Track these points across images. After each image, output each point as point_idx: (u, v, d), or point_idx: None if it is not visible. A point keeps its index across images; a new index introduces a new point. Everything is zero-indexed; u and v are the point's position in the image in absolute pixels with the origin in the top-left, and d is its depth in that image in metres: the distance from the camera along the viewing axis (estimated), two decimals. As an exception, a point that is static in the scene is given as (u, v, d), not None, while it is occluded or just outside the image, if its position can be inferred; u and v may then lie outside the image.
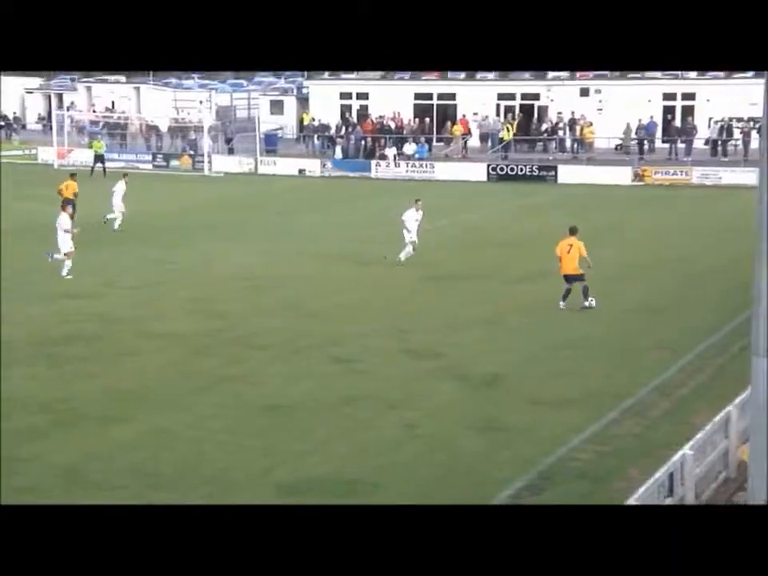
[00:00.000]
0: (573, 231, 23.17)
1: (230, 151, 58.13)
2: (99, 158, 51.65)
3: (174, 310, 23.00)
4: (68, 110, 66.81)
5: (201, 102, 68.33)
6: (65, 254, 26.30)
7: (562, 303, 22.72)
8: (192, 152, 56.87)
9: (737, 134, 52.92)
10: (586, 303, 22.70)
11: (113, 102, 71.36)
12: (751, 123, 51.75)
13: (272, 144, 58.37)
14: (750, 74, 65.91)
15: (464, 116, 58.90)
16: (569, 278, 22.79)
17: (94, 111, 68.89)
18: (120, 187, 34.24)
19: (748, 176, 42.57)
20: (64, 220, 26.76)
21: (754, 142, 47.81)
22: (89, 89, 74.87)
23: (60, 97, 76.73)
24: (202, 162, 54.25)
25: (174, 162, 56.02)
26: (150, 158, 57.14)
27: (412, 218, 27.83)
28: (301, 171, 53.26)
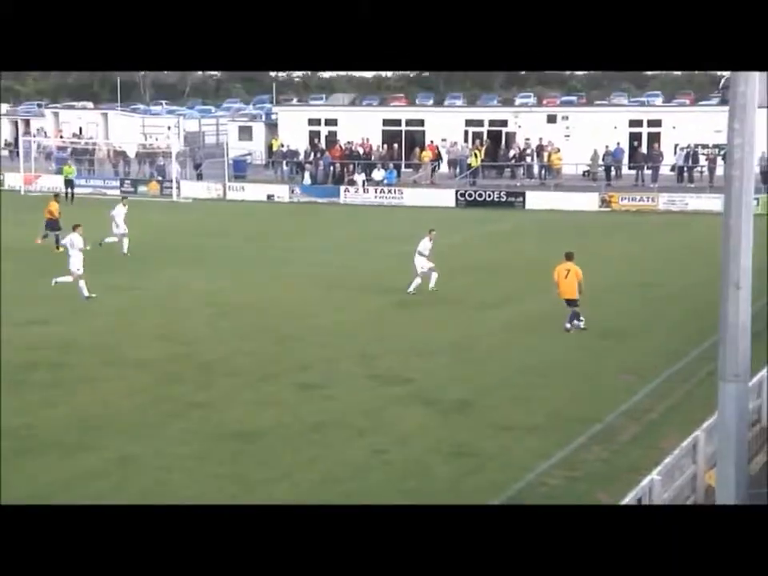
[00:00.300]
0: (569, 257, 23.51)
1: (199, 177, 58.02)
2: (69, 183, 51.53)
3: (140, 336, 22.84)
4: (35, 135, 66.52)
5: (169, 128, 68.19)
6: (74, 274, 26.26)
7: (567, 325, 23.11)
8: (160, 178, 56.71)
9: (702, 160, 53.44)
10: (568, 326, 23.07)
11: (80, 128, 71.08)
12: (716, 150, 52.29)
13: (240, 170, 58.33)
14: (715, 101, 66.82)
15: (432, 142, 59.14)
16: (570, 303, 23.19)
17: (62, 137, 68.58)
18: (120, 211, 34.84)
19: (713, 202, 42.97)
20: (77, 240, 26.92)
21: (720, 169, 48.29)
22: (56, 114, 74.55)
23: (27, 122, 76.37)
24: (170, 187, 54.10)
25: (141, 188, 55.81)
26: (117, 183, 56.88)
27: (426, 248, 27.51)
28: (269, 197, 53.22)
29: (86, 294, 26.33)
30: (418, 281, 27.54)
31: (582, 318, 23.22)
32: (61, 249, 30.75)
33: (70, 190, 50.92)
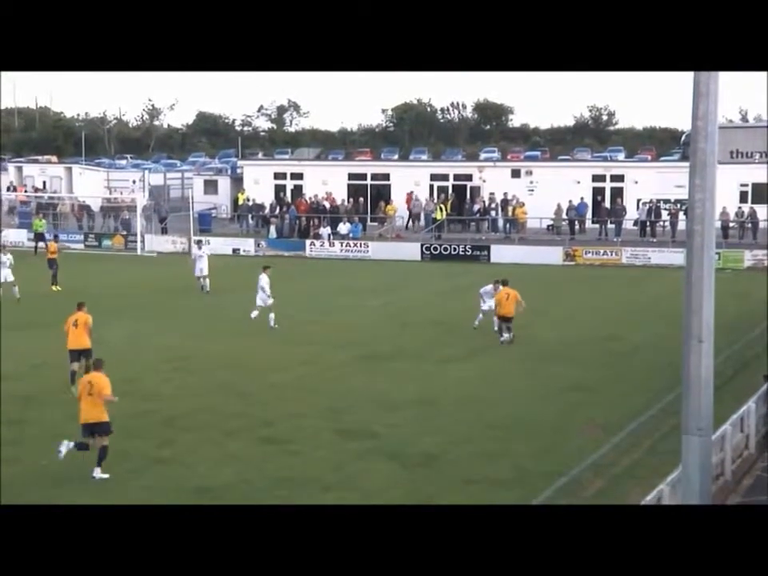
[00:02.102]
0: (505, 283, 28.75)
1: (164, 231, 57.90)
2: (40, 237, 51.47)
3: (103, 391, 22.55)
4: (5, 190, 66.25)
5: (134, 182, 68.13)
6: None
7: (501, 338, 27.88)
8: (125, 231, 56.54)
9: (665, 215, 54.05)
10: (505, 337, 27.73)
11: (44, 182, 70.85)
12: (678, 205, 52.93)
13: (206, 223, 58.31)
14: (676, 156, 67.74)
15: (411, 192, 59.27)
16: (505, 319, 27.83)
17: (25, 191, 68.29)
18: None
19: (676, 256, 43.45)
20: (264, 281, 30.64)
21: (681, 224, 48.84)
22: (19, 169, 74.33)
23: (-10, 176, 75.99)
24: (135, 241, 53.94)
25: (106, 242, 55.60)
26: (81, 237, 56.65)
27: (489, 293, 29.90)
28: (235, 250, 53.16)
29: None
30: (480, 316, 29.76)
31: (511, 333, 27.68)
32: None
33: (39, 243, 50.95)
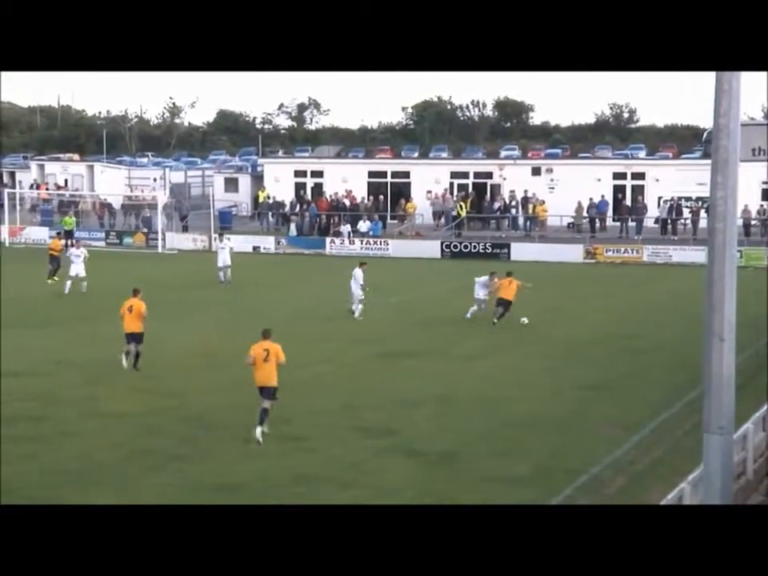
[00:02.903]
0: (509, 274, 31.15)
1: (184, 228, 58.05)
2: (69, 234, 51.75)
3: (123, 388, 22.66)
4: (21, 187, 66.60)
5: (155, 180, 68.40)
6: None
7: (495, 320, 29.95)
8: (146, 229, 56.72)
9: (686, 213, 53.80)
10: (499, 312, 30.04)
11: (66, 180, 71.18)
12: (699, 203, 52.66)
13: (226, 221, 58.41)
14: (698, 154, 67.39)
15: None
16: (503, 302, 30.10)
17: (47, 189, 68.62)
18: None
19: (697, 254, 43.20)
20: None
21: (703, 221, 48.58)
22: (41, 167, 74.70)
23: (12, 174, 76.48)
24: (156, 239, 54.09)
25: (127, 240, 55.80)
26: (103, 235, 56.86)
27: (484, 284, 31.69)
28: (255, 248, 53.21)
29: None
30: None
31: (507, 313, 29.94)
32: (50, 281, 37.95)
33: (68, 239, 51.26)
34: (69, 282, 36.70)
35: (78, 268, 36.94)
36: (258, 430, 18.37)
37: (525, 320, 29.93)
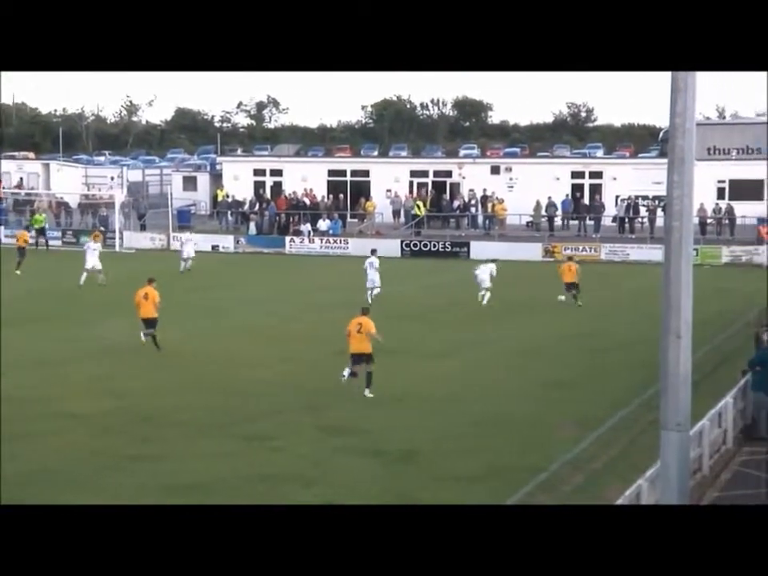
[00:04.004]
0: (570, 258, 36.16)
1: (142, 227, 57.70)
2: (40, 232, 52.31)
3: (79, 388, 22.54)
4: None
5: (112, 179, 67.86)
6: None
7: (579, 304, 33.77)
8: (103, 228, 56.26)
9: (643, 211, 54.30)
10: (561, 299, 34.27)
11: (21, 179, 70.44)
12: (656, 202, 53.19)
13: (185, 220, 58.12)
14: (654, 153, 67.99)
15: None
16: (570, 286, 34.24)
17: (3, 188, 67.88)
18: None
19: (654, 252, 43.60)
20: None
21: (660, 220, 49.06)
22: (-4, 165, 73.79)
23: (-33, 173, 75.49)
24: (113, 238, 53.72)
25: (84, 239, 55.24)
26: (59, 234, 56.36)
27: (483, 271, 34.58)
28: (214, 247, 53.01)
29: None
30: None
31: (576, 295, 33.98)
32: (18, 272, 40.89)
33: (41, 238, 52.00)
34: (84, 275, 38.72)
35: (93, 260, 39.23)
36: (367, 391, 21.56)
37: (562, 298, 34.31)
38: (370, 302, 32.79)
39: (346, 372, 21.99)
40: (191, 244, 44.85)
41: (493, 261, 35.47)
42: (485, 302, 33.55)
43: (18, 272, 41.78)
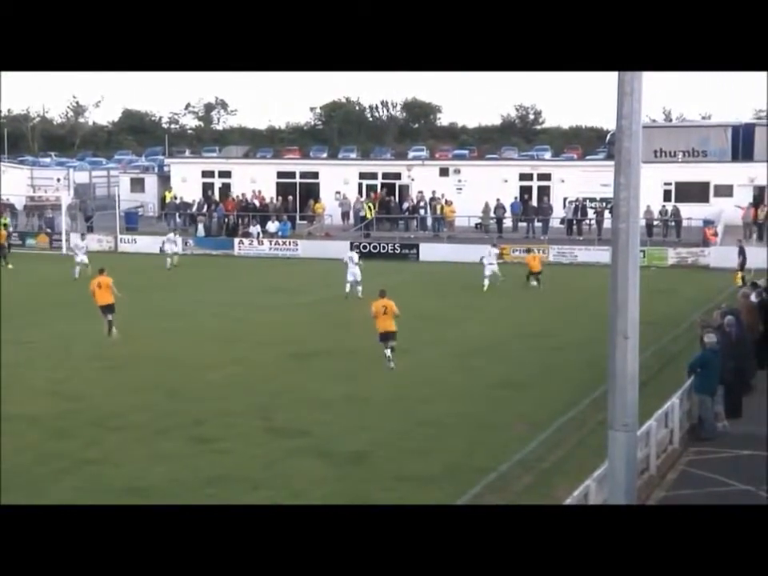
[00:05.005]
0: (529, 251, 40.34)
1: (89, 229, 57.10)
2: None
3: (29, 391, 22.29)
4: None
5: (58, 180, 67.12)
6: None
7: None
8: (49, 230, 55.70)
9: (590, 213, 54.75)
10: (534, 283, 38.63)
11: (-35, 180, 69.44)
12: (603, 203, 53.66)
13: (132, 222, 57.66)
14: (602, 156, 68.62)
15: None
16: (534, 275, 39.30)
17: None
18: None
19: (602, 254, 44.01)
20: None
21: (607, 222, 49.49)
22: (-61, 166, 72.68)
23: None
24: (60, 240, 53.15)
25: (30, 241, 54.74)
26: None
27: (491, 255, 39.57)
28: (162, 249, 52.56)
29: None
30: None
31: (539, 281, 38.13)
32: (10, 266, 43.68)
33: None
34: (78, 268, 41.02)
35: (82, 257, 41.63)
36: (391, 363, 24.13)
37: (534, 283, 38.87)
38: (347, 292, 35.40)
39: (388, 351, 24.22)
40: (180, 241, 47.67)
41: (493, 245, 40.80)
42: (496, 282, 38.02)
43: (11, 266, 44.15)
